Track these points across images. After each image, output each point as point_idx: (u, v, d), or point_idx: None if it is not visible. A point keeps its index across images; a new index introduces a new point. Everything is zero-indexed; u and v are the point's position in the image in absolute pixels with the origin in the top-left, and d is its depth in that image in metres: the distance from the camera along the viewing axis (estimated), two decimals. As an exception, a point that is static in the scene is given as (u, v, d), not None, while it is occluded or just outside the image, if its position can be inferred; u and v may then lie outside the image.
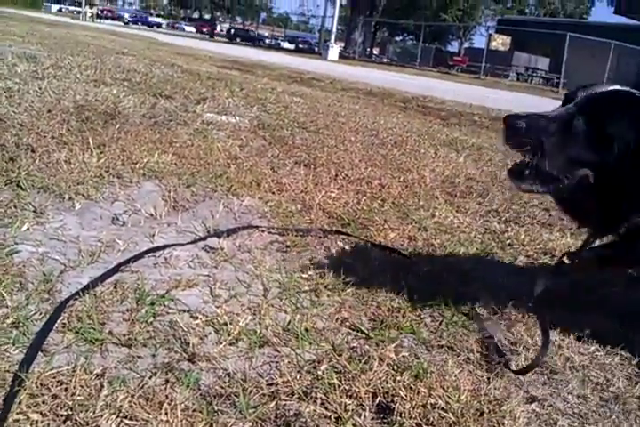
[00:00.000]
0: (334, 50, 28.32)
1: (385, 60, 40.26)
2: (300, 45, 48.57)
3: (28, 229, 1.82)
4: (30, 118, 2.99)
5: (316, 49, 38.83)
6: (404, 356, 1.41)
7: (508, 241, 2.34)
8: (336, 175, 2.94)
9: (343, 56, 30.71)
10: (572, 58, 23.63)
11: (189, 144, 3.07)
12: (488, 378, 1.37)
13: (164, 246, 1.83)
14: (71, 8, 68.55)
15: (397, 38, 52.49)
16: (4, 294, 1.42)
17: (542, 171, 1.38)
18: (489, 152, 4.38)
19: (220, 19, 68.69)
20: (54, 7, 69.35)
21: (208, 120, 3.86)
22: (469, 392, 1.26)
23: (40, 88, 3.86)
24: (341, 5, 34.42)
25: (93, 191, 2.17)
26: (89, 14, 41.94)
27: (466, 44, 54.78)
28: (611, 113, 1.37)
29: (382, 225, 2.32)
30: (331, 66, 18.49)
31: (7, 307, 1.38)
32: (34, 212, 1.95)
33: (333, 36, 30.43)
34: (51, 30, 13.91)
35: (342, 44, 36.52)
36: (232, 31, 51.52)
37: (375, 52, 47.41)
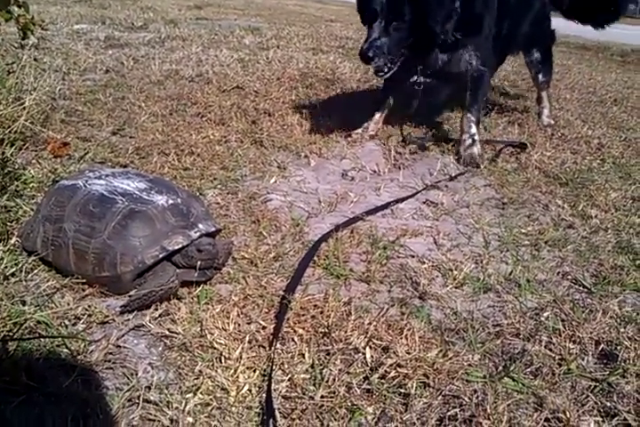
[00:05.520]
0: None
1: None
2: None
3: (275, 181, 2.12)
4: (263, 86, 3.36)
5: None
6: (627, 311, 1.43)
7: None
8: (552, 134, 2.88)
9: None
10: None
11: (405, 106, 3.21)
12: None
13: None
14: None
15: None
16: (265, 234, 1.71)
17: None
18: None
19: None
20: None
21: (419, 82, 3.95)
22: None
23: (267, 58, 4.27)
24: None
25: (325, 150, 2.44)
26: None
27: None
28: None
29: (602, 185, 2.26)
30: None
31: (268, 244, 1.66)
32: (278, 167, 2.26)
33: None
34: (263, 1, 14.82)
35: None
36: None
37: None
